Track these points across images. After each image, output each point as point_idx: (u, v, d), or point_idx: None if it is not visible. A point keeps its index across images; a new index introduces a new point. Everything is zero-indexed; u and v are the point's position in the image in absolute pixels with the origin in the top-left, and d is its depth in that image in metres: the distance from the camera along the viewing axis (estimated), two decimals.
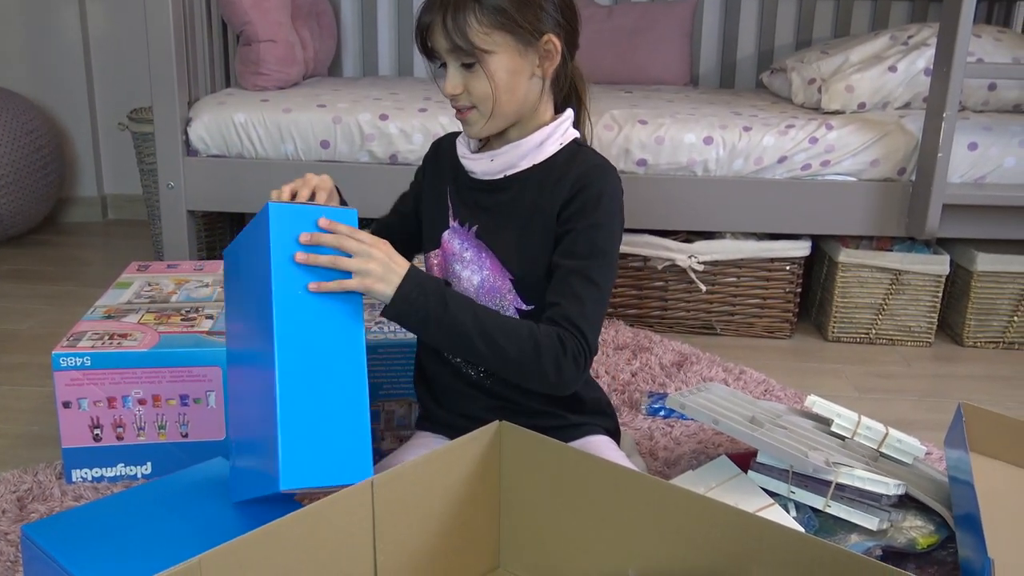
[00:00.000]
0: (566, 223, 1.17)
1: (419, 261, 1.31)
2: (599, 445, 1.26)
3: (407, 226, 1.34)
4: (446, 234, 1.26)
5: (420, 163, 1.35)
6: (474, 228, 1.23)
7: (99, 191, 3.11)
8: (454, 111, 1.19)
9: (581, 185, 1.17)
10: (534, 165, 1.20)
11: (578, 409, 1.28)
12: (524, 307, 1.21)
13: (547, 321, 1.14)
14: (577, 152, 1.22)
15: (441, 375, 1.29)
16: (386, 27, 2.98)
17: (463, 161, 1.24)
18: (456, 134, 1.30)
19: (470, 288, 1.23)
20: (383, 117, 2.09)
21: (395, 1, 2.95)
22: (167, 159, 2.11)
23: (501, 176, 1.21)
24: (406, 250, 1.32)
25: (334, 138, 2.10)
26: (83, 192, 3.09)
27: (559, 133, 1.21)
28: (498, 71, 1.13)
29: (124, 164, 3.02)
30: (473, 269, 1.23)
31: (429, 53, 1.16)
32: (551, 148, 1.20)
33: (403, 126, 2.08)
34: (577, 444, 1.24)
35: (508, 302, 1.22)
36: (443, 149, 1.31)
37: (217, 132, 2.11)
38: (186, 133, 2.12)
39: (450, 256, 1.25)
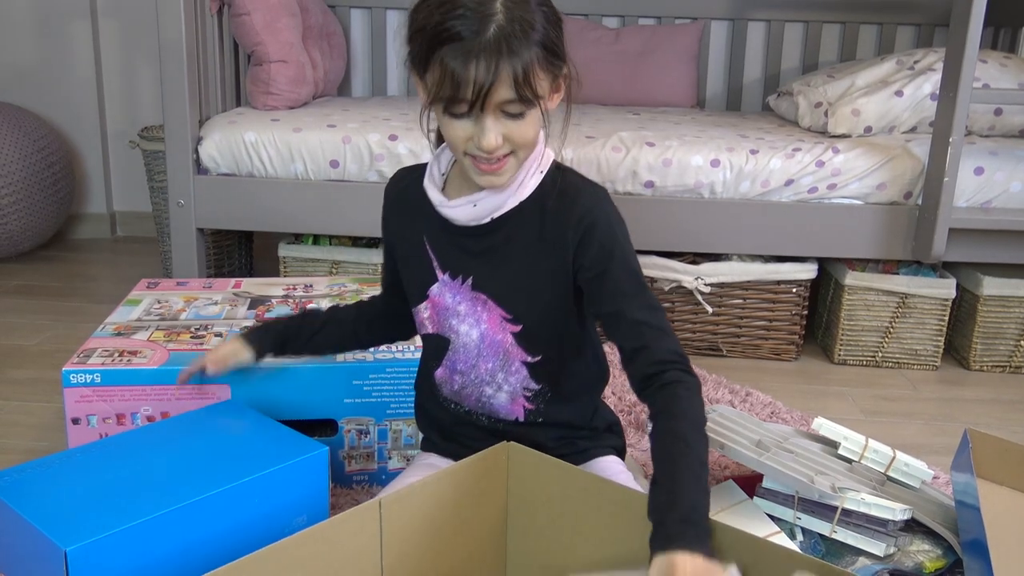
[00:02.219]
0: (592, 269, 1.10)
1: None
2: (607, 466, 1.26)
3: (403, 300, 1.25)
4: (435, 288, 1.18)
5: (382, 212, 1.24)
6: (468, 280, 1.16)
7: (108, 208, 3.13)
8: (476, 163, 1.06)
9: (587, 225, 1.10)
10: (521, 202, 1.12)
11: (591, 437, 1.27)
12: (530, 359, 1.17)
13: (656, 366, 1.06)
14: (562, 179, 1.13)
15: (446, 418, 1.26)
16: (395, 47, 3.00)
17: (442, 211, 1.13)
18: (412, 174, 1.21)
19: (470, 343, 1.18)
20: (392, 138, 2.11)
21: (404, 23, 2.97)
22: (177, 177, 2.12)
23: (488, 219, 1.13)
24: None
25: (343, 158, 2.11)
26: (92, 209, 3.11)
27: (537, 163, 1.13)
28: (541, 114, 1.04)
29: (133, 181, 3.04)
30: (470, 323, 1.17)
31: (470, 106, 1.00)
32: (534, 181, 1.12)
33: (412, 146, 2.09)
34: (585, 467, 1.24)
35: (512, 356, 1.17)
36: (405, 194, 1.20)
37: (227, 151, 2.13)
38: (197, 152, 2.13)
39: (443, 311, 1.19)
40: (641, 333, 1.08)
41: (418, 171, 1.20)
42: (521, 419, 1.21)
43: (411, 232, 1.19)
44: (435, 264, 1.18)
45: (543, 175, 1.13)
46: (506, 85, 0.98)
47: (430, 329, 1.21)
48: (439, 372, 1.23)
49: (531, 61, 0.98)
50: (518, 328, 1.16)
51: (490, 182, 1.08)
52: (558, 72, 1.05)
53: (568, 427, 1.24)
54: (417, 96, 3.31)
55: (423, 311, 1.21)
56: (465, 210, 1.12)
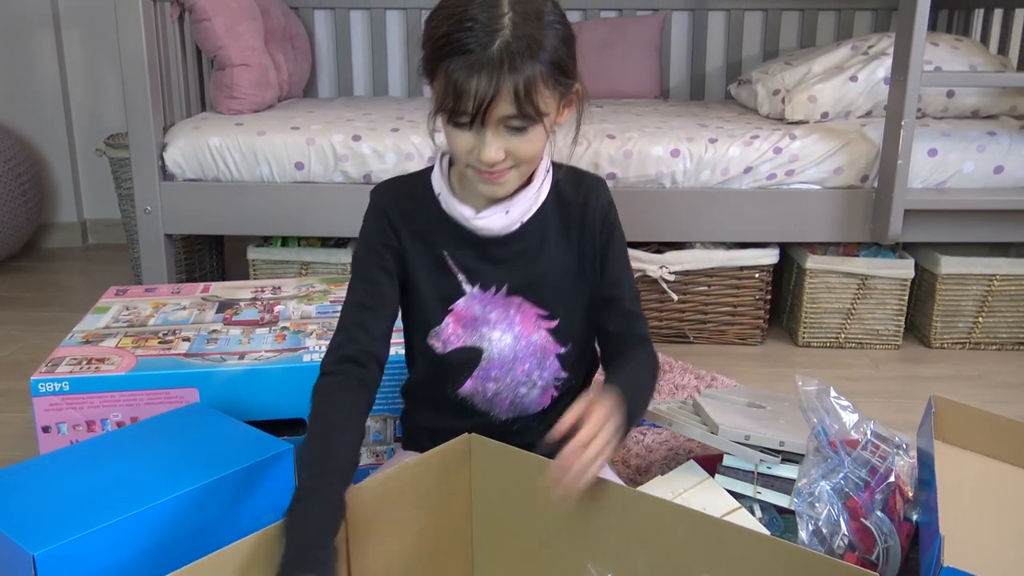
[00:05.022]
0: (607, 253, 1.20)
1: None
2: None
3: (395, 304, 1.18)
4: (461, 302, 1.17)
5: (373, 226, 1.17)
6: (503, 289, 1.17)
7: (79, 216, 3.13)
8: (479, 173, 1.07)
9: (604, 211, 1.19)
10: (542, 202, 1.17)
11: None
12: (562, 350, 1.21)
13: (634, 340, 1.19)
14: (568, 175, 1.19)
15: (460, 428, 1.15)
16: (360, 48, 3.02)
17: (476, 223, 1.13)
18: (403, 188, 1.19)
19: (504, 347, 1.18)
20: (356, 138, 2.12)
21: (368, 23, 2.99)
22: (143, 184, 2.13)
23: (518, 225, 1.15)
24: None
25: (308, 159, 2.13)
26: (63, 218, 3.11)
27: (546, 165, 1.17)
28: (545, 130, 1.05)
29: (103, 189, 3.04)
30: (503, 328, 1.18)
31: (472, 119, 1.01)
32: (549, 180, 1.17)
33: (376, 146, 2.11)
34: None
35: (548, 352, 1.20)
36: (408, 210, 1.16)
37: (192, 156, 2.14)
38: (162, 158, 2.14)
39: (471, 322, 1.18)
40: (628, 321, 1.20)
41: (406, 184, 1.20)
42: (547, 406, 1.24)
43: (425, 249, 1.16)
44: (461, 278, 1.17)
45: (549, 173, 1.17)
46: (507, 101, 0.99)
47: (456, 344, 1.19)
48: (468, 385, 1.21)
49: (534, 78, 0.98)
50: (554, 323, 1.19)
51: (492, 192, 1.10)
52: (567, 90, 1.06)
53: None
54: (383, 96, 3.29)
55: (445, 329, 1.18)
56: (498, 219, 1.13)
